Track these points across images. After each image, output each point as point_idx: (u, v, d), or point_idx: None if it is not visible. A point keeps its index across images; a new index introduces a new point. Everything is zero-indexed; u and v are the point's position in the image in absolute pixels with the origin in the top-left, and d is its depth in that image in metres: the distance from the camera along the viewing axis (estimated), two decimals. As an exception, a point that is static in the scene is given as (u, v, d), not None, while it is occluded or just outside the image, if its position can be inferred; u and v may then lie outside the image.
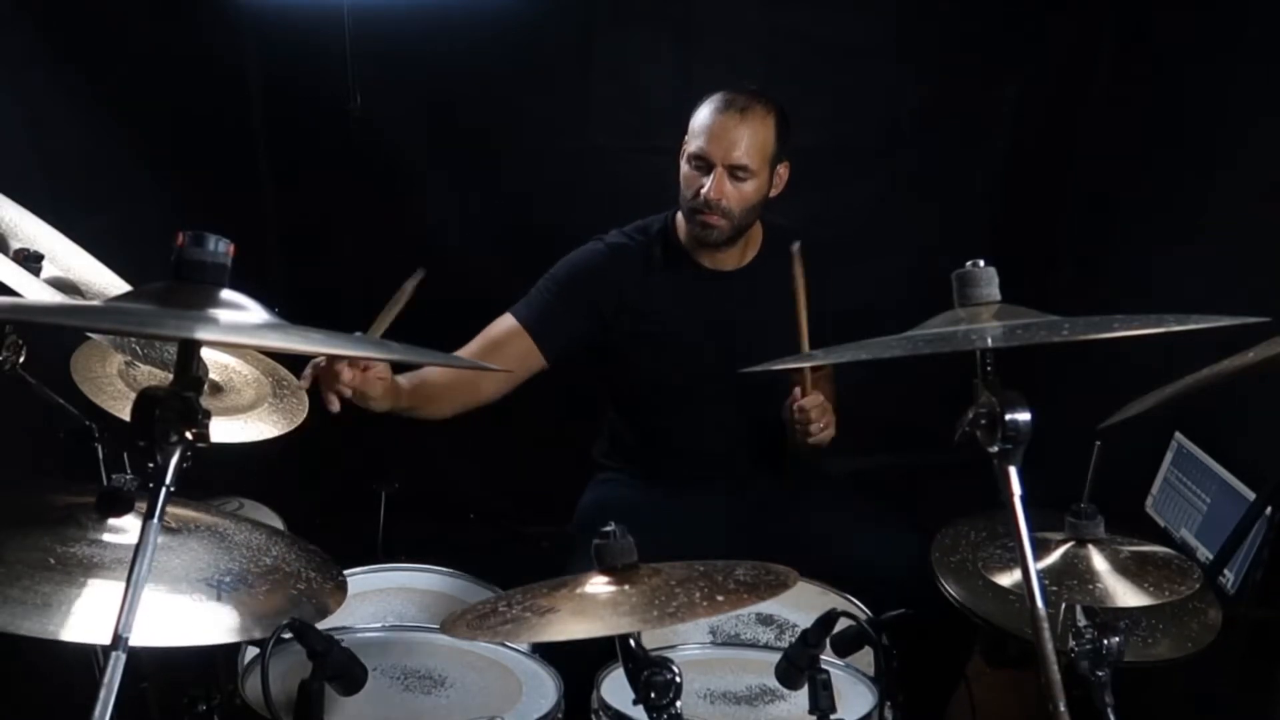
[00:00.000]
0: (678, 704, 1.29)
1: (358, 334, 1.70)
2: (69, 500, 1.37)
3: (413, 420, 2.04)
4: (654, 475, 2.34)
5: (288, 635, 1.34)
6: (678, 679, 1.29)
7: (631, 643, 1.30)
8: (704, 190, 2.09)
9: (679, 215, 2.24)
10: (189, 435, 1.07)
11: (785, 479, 2.31)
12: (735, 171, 2.10)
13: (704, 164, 2.10)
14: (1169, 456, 2.38)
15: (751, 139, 2.10)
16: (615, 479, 2.39)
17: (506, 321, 2.18)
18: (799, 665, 1.47)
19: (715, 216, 2.12)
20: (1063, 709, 1.10)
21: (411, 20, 2.79)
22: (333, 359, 1.75)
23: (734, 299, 2.24)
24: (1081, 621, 1.45)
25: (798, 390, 2.11)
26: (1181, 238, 2.52)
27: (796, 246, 2.07)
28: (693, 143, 2.13)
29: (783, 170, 2.19)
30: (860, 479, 2.78)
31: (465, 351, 2.14)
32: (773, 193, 2.19)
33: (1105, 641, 1.41)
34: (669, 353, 2.22)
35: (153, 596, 1.25)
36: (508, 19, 2.79)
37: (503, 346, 2.15)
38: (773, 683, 1.51)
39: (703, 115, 2.13)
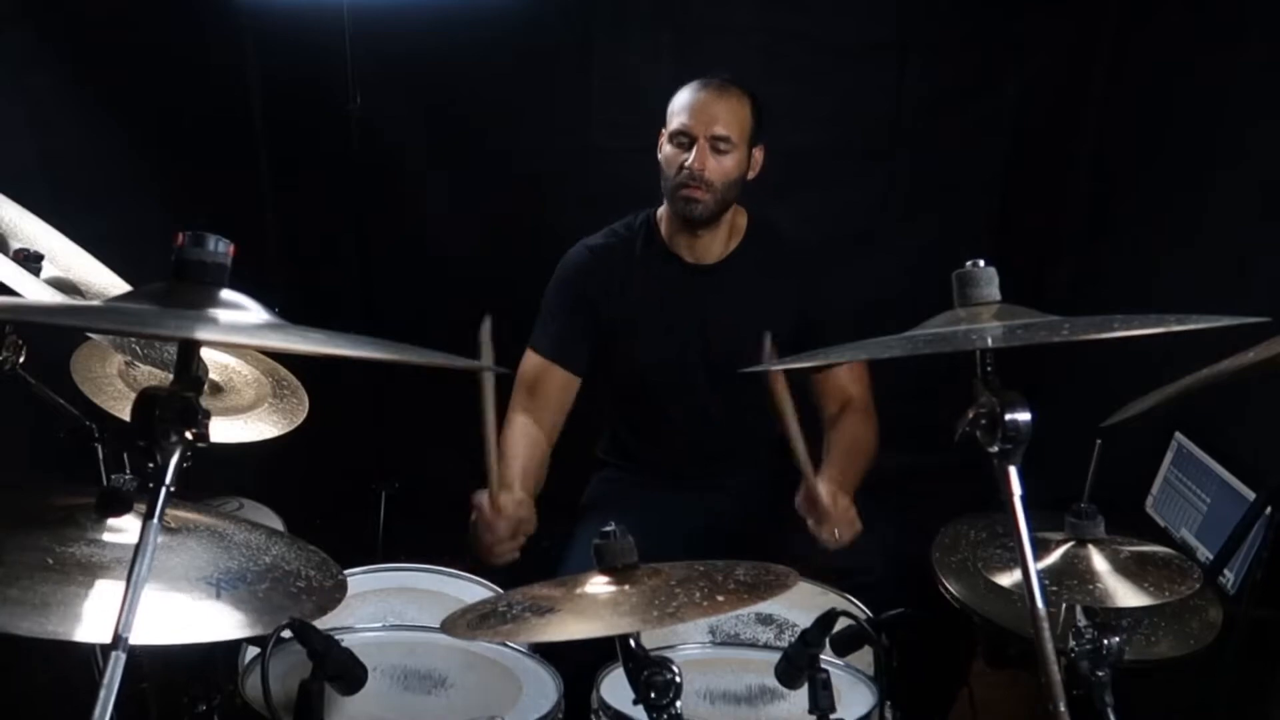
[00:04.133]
0: (678, 704, 1.29)
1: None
2: (69, 500, 1.37)
3: (412, 420, 2.04)
4: (652, 471, 2.34)
5: (287, 635, 1.34)
6: (678, 679, 1.29)
7: (631, 643, 1.30)
8: (688, 162, 2.13)
9: (661, 210, 2.27)
10: (189, 435, 1.07)
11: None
12: (717, 144, 2.14)
13: (686, 139, 2.15)
14: (1169, 456, 2.38)
15: (730, 112, 2.15)
16: (616, 475, 2.40)
17: (532, 360, 2.24)
18: (799, 665, 1.47)
19: (699, 190, 2.14)
20: (1063, 709, 1.10)
21: (411, 20, 2.79)
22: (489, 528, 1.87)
23: (716, 291, 2.25)
24: (1081, 621, 1.45)
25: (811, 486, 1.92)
26: (1182, 238, 2.52)
27: (768, 341, 1.74)
28: (674, 121, 2.17)
29: (758, 153, 2.22)
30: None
31: (513, 405, 2.19)
32: (750, 174, 2.22)
33: (1105, 641, 1.41)
34: (653, 346, 2.24)
35: (152, 595, 1.24)
36: (508, 19, 2.79)
37: (542, 385, 2.22)
38: (772, 682, 1.51)
39: (682, 96, 2.19)
